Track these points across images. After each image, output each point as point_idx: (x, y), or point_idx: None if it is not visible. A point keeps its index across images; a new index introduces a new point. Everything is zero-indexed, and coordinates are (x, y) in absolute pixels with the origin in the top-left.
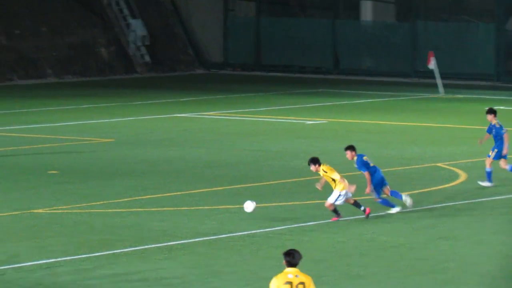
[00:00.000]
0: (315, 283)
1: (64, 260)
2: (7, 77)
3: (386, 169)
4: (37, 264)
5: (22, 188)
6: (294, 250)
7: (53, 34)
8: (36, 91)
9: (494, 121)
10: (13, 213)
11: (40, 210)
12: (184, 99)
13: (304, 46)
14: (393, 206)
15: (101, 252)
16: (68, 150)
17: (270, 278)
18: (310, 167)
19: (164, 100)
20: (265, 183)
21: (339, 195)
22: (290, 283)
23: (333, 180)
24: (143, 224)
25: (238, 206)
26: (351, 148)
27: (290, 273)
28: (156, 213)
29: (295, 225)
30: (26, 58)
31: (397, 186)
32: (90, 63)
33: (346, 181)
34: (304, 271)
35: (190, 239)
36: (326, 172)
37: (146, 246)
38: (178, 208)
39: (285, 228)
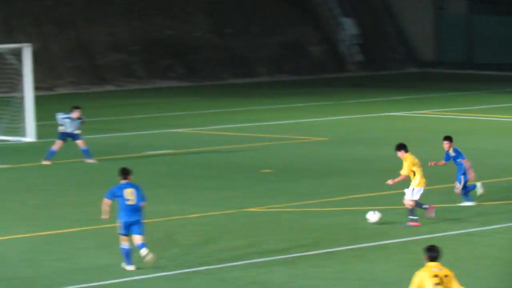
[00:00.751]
0: None
1: (278, 258)
2: (220, 76)
3: None
4: (251, 262)
5: (236, 186)
6: (435, 245)
7: (265, 33)
8: (248, 90)
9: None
10: (228, 211)
11: (254, 209)
12: (396, 98)
13: None
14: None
15: (315, 251)
16: (282, 149)
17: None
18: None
19: (376, 99)
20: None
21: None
22: (437, 275)
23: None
24: (357, 222)
25: (453, 205)
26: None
27: (434, 266)
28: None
29: (509, 224)
30: (238, 57)
31: None
32: (302, 62)
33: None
34: None
35: (405, 237)
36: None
37: (361, 245)
38: (392, 207)
39: (501, 227)
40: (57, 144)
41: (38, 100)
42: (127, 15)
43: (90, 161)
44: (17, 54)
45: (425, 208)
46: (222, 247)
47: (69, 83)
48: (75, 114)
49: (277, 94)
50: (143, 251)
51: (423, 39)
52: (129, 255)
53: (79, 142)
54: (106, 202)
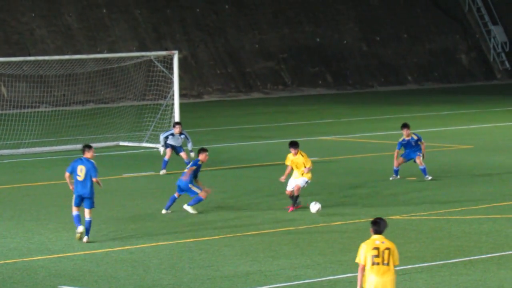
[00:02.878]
0: None
1: (420, 266)
2: (368, 83)
3: None
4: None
5: (380, 194)
6: (380, 218)
7: (414, 41)
8: (396, 97)
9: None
10: (371, 219)
11: (398, 216)
12: None
13: None
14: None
15: (458, 258)
16: (428, 157)
17: None
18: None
19: None
20: None
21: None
22: (377, 248)
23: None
24: (500, 230)
25: None
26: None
27: (377, 239)
28: None
29: None
30: (386, 65)
31: None
32: (450, 70)
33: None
34: None
35: None
36: (302, 157)
37: (503, 253)
38: None
39: None
40: (167, 153)
41: (186, 107)
42: (276, 22)
43: (162, 172)
44: (166, 61)
45: None
46: None
47: (217, 90)
48: (176, 129)
49: (425, 102)
50: (80, 228)
51: None
52: (77, 219)
53: (182, 154)
54: (66, 175)
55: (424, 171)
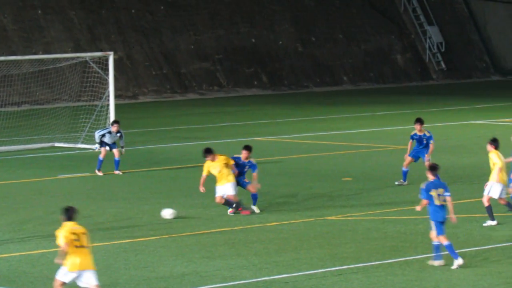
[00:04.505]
0: None
1: (356, 267)
2: (303, 84)
3: None
4: (329, 271)
5: (316, 194)
6: (70, 206)
7: (349, 41)
8: (332, 98)
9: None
10: (307, 219)
11: (333, 217)
12: (480, 106)
13: None
14: None
15: (394, 259)
16: (363, 157)
17: None
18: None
19: (459, 107)
20: None
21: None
22: (75, 233)
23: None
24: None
25: None
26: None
27: (72, 225)
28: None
29: None
30: (322, 65)
31: None
32: (386, 70)
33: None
34: None
35: (482, 246)
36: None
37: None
38: (471, 215)
39: None
40: (102, 152)
41: (121, 108)
42: (211, 23)
43: (116, 172)
44: (101, 62)
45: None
46: (300, 255)
47: (152, 91)
48: (114, 128)
49: (361, 102)
50: None
51: (509, 47)
52: None
53: (114, 151)
54: None
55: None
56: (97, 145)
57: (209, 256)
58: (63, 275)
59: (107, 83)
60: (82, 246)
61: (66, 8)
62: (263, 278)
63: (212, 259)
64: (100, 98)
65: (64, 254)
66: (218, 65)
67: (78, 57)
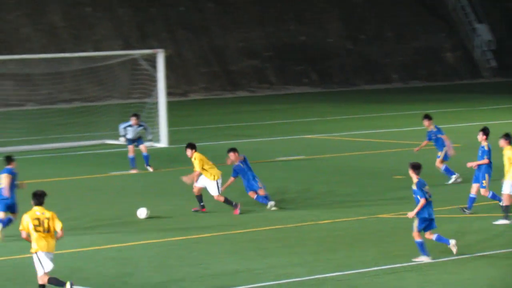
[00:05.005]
0: None
1: (409, 265)
2: (353, 82)
3: None
4: (382, 269)
5: (368, 192)
6: (40, 190)
7: (399, 39)
8: (381, 96)
9: (431, 127)
10: (360, 217)
11: (386, 215)
12: None
13: None
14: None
15: (447, 257)
16: (414, 155)
17: None
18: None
19: (510, 105)
20: None
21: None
22: (38, 219)
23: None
24: (493, 228)
25: None
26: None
27: (37, 210)
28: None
29: None
30: (371, 63)
31: None
32: (436, 68)
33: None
34: None
35: None
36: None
37: (492, 252)
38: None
39: None
40: (130, 150)
41: (171, 106)
42: (261, 21)
43: (149, 168)
44: (151, 59)
45: None
46: (353, 253)
47: (202, 88)
48: (133, 121)
49: (411, 100)
50: None
51: None
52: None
53: (141, 147)
54: None
55: (446, 171)
56: (121, 138)
57: (263, 253)
58: (41, 264)
59: (157, 81)
60: (45, 231)
61: (116, 5)
62: (316, 276)
63: (266, 256)
64: (150, 96)
65: (28, 238)
66: (268, 62)
67: (128, 55)
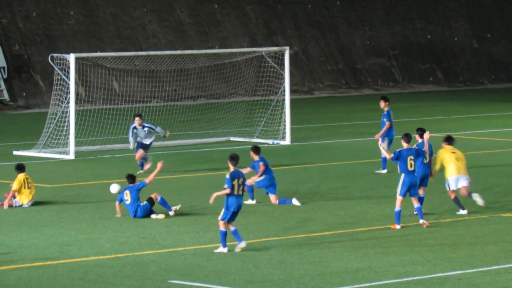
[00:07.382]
0: None
1: None
2: (479, 80)
3: None
4: (503, 268)
5: (492, 191)
6: (20, 163)
7: None
8: (506, 95)
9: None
10: (481, 216)
11: (508, 214)
12: None
13: None
14: None
15: None
16: None
17: None
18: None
19: None
20: None
21: None
22: (27, 178)
23: None
24: None
25: None
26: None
27: (23, 175)
28: None
29: None
30: (497, 62)
31: None
32: None
33: None
34: None
35: None
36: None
37: None
38: None
39: None
40: (137, 155)
41: (297, 103)
42: (387, 19)
43: (141, 172)
44: (277, 57)
45: None
46: (474, 252)
47: (328, 86)
48: (136, 122)
49: None
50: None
51: None
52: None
53: (141, 152)
54: None
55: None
56: (130, 144)
57: (384, 251)
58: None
59: (282, 78)
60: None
61: (243, 2)
62: (437, 275)
63: (387, 254)
64: (276, 93)
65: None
66: (394, 60)
67: (254, 52)
